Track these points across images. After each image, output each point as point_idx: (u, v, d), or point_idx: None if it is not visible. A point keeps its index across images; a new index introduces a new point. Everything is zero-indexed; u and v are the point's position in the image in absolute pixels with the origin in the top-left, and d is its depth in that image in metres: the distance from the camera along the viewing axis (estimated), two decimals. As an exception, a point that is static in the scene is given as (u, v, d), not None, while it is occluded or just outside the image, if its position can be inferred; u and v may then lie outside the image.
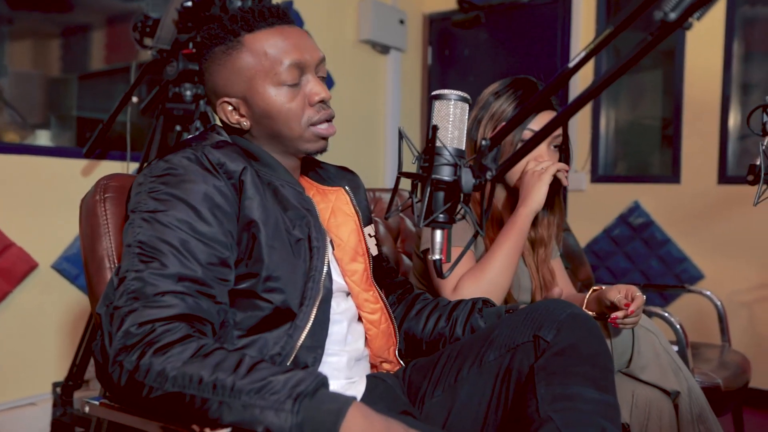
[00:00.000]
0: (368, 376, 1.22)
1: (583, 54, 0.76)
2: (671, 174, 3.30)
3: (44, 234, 2.42)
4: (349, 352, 1.17)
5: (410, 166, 0.90)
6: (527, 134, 1.53)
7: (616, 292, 1.32)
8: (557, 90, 0.81)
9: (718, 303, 2.36)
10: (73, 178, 2.50)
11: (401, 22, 3.84)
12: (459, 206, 0.89)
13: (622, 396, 1.32)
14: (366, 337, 1.24)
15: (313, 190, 1.23)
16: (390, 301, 1.33)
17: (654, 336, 1.40)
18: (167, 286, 0.94)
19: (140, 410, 0.93)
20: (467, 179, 0.85)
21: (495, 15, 3.85)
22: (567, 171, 1.55)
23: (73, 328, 2.53)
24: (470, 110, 1.06)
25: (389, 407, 1.12)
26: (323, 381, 0.86)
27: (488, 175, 0.85)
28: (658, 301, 3.31)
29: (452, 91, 0.91)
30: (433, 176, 0.87)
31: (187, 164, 1.03)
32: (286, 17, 1.14)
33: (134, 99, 2.36)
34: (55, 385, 2.41)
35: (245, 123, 1.14)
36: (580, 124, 3.54)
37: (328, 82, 3.37)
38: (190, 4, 2.03)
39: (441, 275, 0.90)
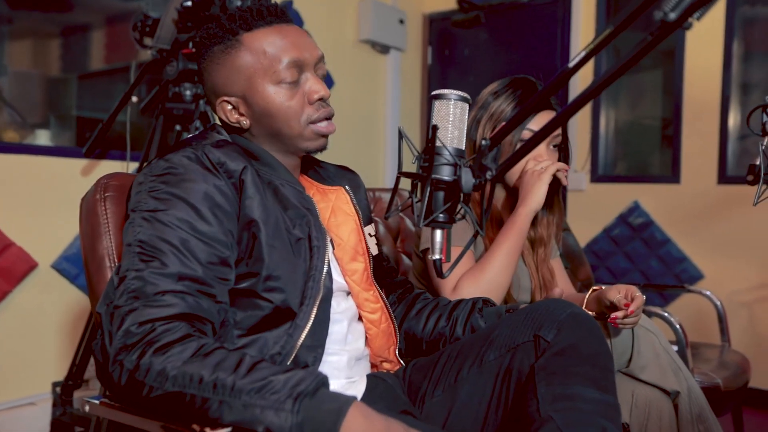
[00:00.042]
0: (368, 376, 1.22)
1: (583, 54, 0.76)
2: (671, 174, 3.30)
3: (44, 234, 2.42)
4: (349, 351, 1.17)
5: (410, 165, 0.91)
6: (526, 134, 1.53)
7: (616, 292, 1.32)
8: (557, 90, 0.81)
9: (718, 303, 2.36)
10: (73, 178, 2.50)
11: (401, 21, 3.84)
12: (459, 206, 0.89)
13: (621, 396, 1.32)
14: (366, 337, 1.24)
15: (313, 189, 1.23)
16: (390, 300, 1.33)
17: (654, 336, 1.40)
18: (167, 286, 0.94)
19: (140, 409, 0.93)
20: (467, 179, 0.85)
21: (495, 15, 3.85)
22: (567, 171, 1.55)
23: (72, 327, 2.53)
24: (469, 110, 1.06)
25: (389, 407, 1.12)
26: (323, 380, 0.86)
27: (488, 174, 0.85)
28: (658, 301, 3.31)
29: (452, 90, 0.91)
30: (433, 176, 0.87)
31: (187, 163, 1.03)
32: (285, 16, 1.14)
33: (134, 99, 2.36)
34: (55, 384, 2.41)
35: (245, 122, 1.14)
36: (579, 124, 3.54)
37: (328, 81, 3.37)
38: (189, 3, 2.03)
39: (441, 275, 0.91)
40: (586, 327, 1.04)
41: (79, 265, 2.50)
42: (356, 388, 1.17)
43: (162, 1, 2.24)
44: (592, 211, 3.50)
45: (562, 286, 1.67)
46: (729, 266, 3.12)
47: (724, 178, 3.14)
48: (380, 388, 1.19)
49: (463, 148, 0.91)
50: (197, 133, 1.20)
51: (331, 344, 1.13)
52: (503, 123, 1.55)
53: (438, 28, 4.08)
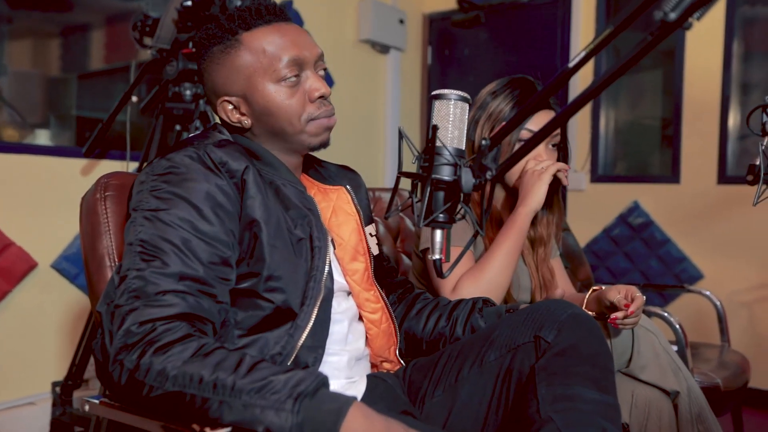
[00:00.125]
0: (368, 376, 1.22)
1: (582, 54, 0.76)
2: (671, 174, 3.30)
3: (44, 233, 2.42)
4: (349, 351, 1.17)
5: (410, 165, 0.91)
6: (525, 134, 1.53)
7: (616, 293, 1.32)
8: (557, 90, 0.81)
9: (718, 303, 2.36)
10: (73, 178, 2.50)
11: (401, 21, 3.84)
12: (459, 206, 0.89)
13: (621, 396, 1.32)
14: (366, 337, 1.24)
15: (314, 189, 1.23)
16: (390, 300, 1.33)
17: (654, 336, 1.40)
18: (168, 285, 0.94)
19: (140, 409, 0.93)
20: (467, 179, 0.86)
21: (495, 15, 3.85)
22: (567, 171, 1.55)
23: (72, 327, 2.53)
24: (468, 110, 1.06)
25: (389, 407, 1.12)
26: (324, 381, 0.86)
27: (488, 174, 0.85)
28: (658, 301, 3.31)
29: (452, 90, 0.91)
30: (433, 176, 0.87)
31: (189, 163, 1.03)
32: (284, 15, 1.14)
33: (134, 98, 2.36)
34: (55, 384, 2.41)
35: (246, 121, 1.14)
36: (579, 124, 3.54)
37: (328, 81, 3.36)
38: (189, 3, 2.03)
39: (441, 275, 0.91)
40: (586, 327, 1.04)
41: (79, 265, 2.50)
42: (356, 388, 1.17)
43: (162, 0, 2.24)
44: (592, 211, 3.50)
45: (562, 285, 1.67)
46: (729, 266, 3.12)
47: (723, 178, 3.14)
48: (380, 388, 1.19)
49: (463, 148, 0.91)
50: (199, 132, 1.20)
51: (331, 344, 1.12)
52: (502, 123, 1.55)
53: (438, 28, 4.08)
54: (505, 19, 3.83)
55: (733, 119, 3.18)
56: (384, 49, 3.84)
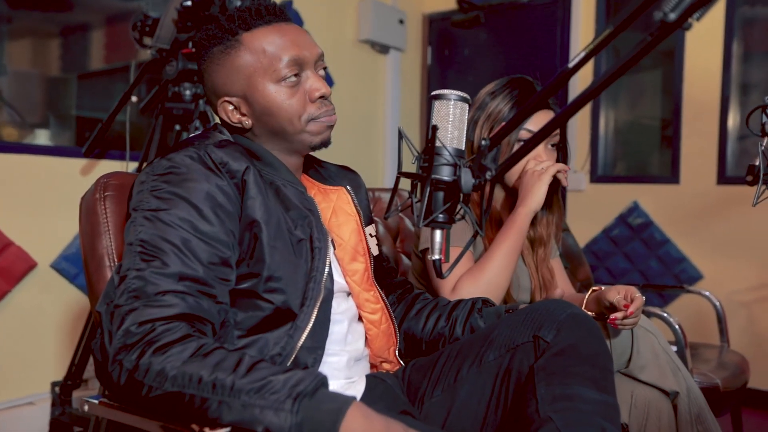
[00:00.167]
0: (368, 376, 1.22)
1: (582, 54, 0.76)
2: (670, 174, 3.30)
3: (43, 233, 2.42)
4: (349, 352, 1.17)
5: (410, 166, 0.91)
6: (524, 134, 1.53)
7: (616, 293, 1.32)
8: (557, 90, 0.81)
9: (717, 303, 2.36)
10: (72, 178, 2.50)
11: (401, 21, 3.84)
12: (458, 206, 0.89)
13: (621, 396, 1.32)
14: (366, 337, 1.24)
15: (314, 189, 1.23)
16: (390, 300, 1.33)
17: (653, 336, 1.40)
18: (168, 286, 0.94)
19: (140, 409, 0.93)
20: (467, 179, 0.86)
21: (494, 15, 3.85)
22: (567, 171, 1.55)
23: (71, 327, 2.53)
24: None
25: (389, 407, 1.12)
26: (323, 381, 0.86)
27: (488, 175, 0.85)
28: (657, 301, 3.31)
29: (452, 91, 0.91)
30: (433, 176, 0.87)
31: (189, 163, 1.03)
32: (284, 15, 1.14)
33: (133, 98, 2.36)
34: (54, 384, 2.41)
35: (247, 122, 1.14)
36: (579, 125, 3.54)
37: (328, 81, 3.37)
38: (189, 3, 2.03)
39: (440, 275, 0.91)
40: (585, 327, 1.04)
41: (78, 265, 2.50)
42: (355, 388, 1.17)
43: (162, 0, 2.24)
44: (592, 211, 3.50)
45: (562, 286, 1.67)
46: (728, 267, 3.12)
47: (723, 178, 3.15)
48: (380, 388, 1.19)
49: (463, 148, 0.91)
50: (199, 132, 1.20)
51: (330, 345, 1.12)
52: (501, 123, 1.55)
53: (438, 28, 4.08)
54: (504, 20, 3.83)
55: (733, 119, 3.18)
56: (384, 49, 3.84)
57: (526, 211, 1.49)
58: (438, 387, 1.17)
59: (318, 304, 1.07)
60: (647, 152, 3.64)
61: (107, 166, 2.55)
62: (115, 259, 1.13)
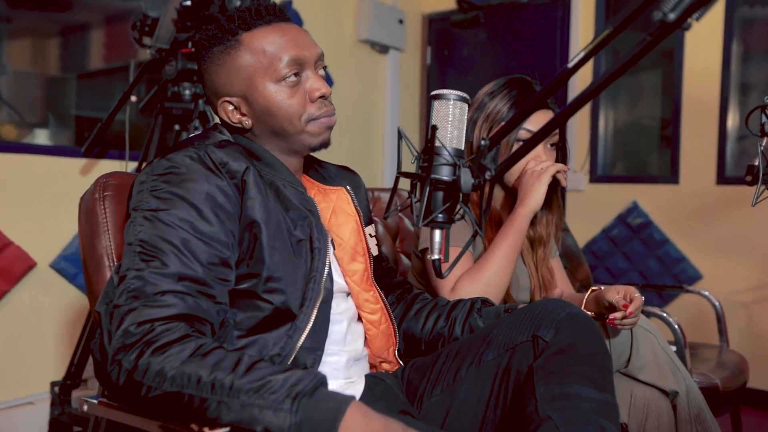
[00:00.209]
0: (367, 376, 1.22)
1: (582, 54, 0.76)
2: (670, 174, 3.31)
3: (43, 233, 2.42)
4: (348, 352, 1.17)
5: (409, 165, 0.91)
6: (523, 134, 1.53)
7: (615, 293, 1.32)
8: (556, 90, 0.81)
9: (717, 303, 2.36)
10: (72, 177, 2.50)
11: (400, 21, 3.84)
12: (458, 206, 0.89)
13: (620, 396, 1.32)
14: (365, 337, 1.24)
15: (314, 189, 1.23)
16: (389, 300, 1.33)
17: (652, 336, 1.40)
18: (167, 286, 0.94)
19: (139, 409, 0.93)
20: (466, 179, 0.86)
21: (494, 15, 3.85)
22: (566, 171, 1.55)
23: (71, 327, 2.53)
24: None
25: (388, 407, 1.12)
26: (322, 380, 0.86)
27: (487, 175, 0.85)
28: (657, 301, 3.32)
29: (451, 90, 0.91)
30: (432, 176, 0.87)
31: (189, 163, 1.03)
32: (284, 15, 1.14)
33: (133, 98, 2.35)
34: (53, 384, 2.40)
35: (247, 122, 1.14)
36: (579, 125, 3.55)
37: (327, 81, 3.36)
38: (189, 3, 2.03)
39: (439, 275, 0.91)
40: (584, 327, 1.05)
41: (77, 265, 2.49)
42: (354, 388, 1.17)
43: (161, 0, 2.24)
44: (591, 211, 3.50)
45: (562, 285, 1.67)
46: (727, 267, 3.12)
47: (722, 178, 3.15)
48: (379, 388, 1.19)
49: (463, 148, 0.91)
50: (199, 132, 1.20)
51: (330, 345, 1.12)
52: (500, 123, 1.55)
53: (437, 28, 4.08)
54: (504, 20, 3.83)
55: (732, 120, 3.18)
56: (383, 49, 3.84)
57: (525, 211, 1.49)
58: (437, 387, 1.17)
59: (317, 304, 1.07)
60: (647, 152, 3.64)
61: (107, 166, 2.55)
62: (115, 259, 1.13)
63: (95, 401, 1.02)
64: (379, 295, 1.24)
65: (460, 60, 4.00)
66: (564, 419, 0.95)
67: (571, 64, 0.77)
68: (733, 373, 1.96)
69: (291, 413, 0.82)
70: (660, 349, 1.40)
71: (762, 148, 1.44)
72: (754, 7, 3.21)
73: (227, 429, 0.84)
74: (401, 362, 1.27)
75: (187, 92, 2.16)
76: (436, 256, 0.91)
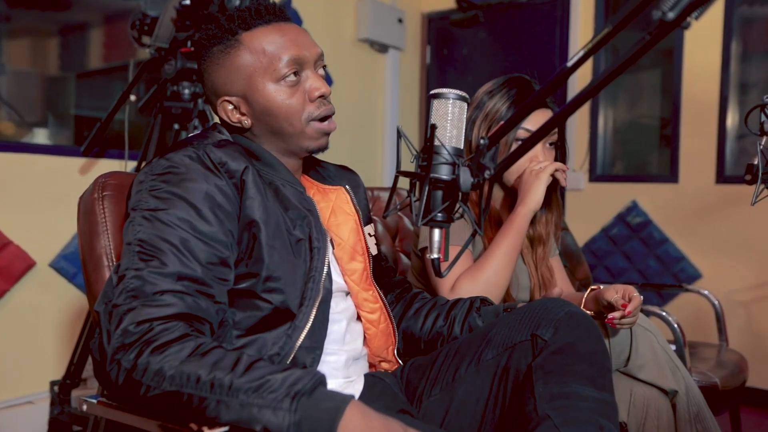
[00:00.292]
0: (366, 375, 1.22)
1: (581, 53, 0.76)
2: (669, 173, 3.31)
3: (42, 232, 2.42)
4: (347, 351, 1.17)
5: (409, 164, 0.91)
6: (522, 133, 1.53)
7: (614, 292, 1.32)
8: (555, 89, 0.81)
9: (716, 302, 2.36)
10: (71, 177, 2.49)
11: (400, 21, 3.84)
12: (457, 205, 0.89)
13: (619, 395, 1.33)
14: (365, 336, 1.24)
15: (313, 189, 1.23)
16: (388, 300, 1.33)
17: (652, 335, 1.40)
18: (166, 285, 0.94)
19: (138, 409, 0.93)
20: (465, 178, 0.85)
21: (493, 14, 3.85)
22: (565, 171, 1.55)
23: (70, 326, 2.53)
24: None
25: (387, 406, 1.12)
26: (321, 379, 0.86)
27: (486, 174, 0.85)
28: (656, 300, 3.32)
29: (451, 90, 0.91)
30: (432, 175, 0.87)
31: (188, 163, 1.03)
32: (283, 14, 1.14)
33: (132, 97, 2.35)
34: (53, 383, 2.41)
35: (246, 121, 1.14)
36: (578, 124, 3.54)
37: (327, 81, 3.36)
38: (188, 2, 2.03)
39: (439, 274, 0.91)
40: (583, 326, 1.05)
41: (77, 264, 2.49)
42: (354, 387, 1.17)
43: (160, -1, 2.24)
44: (591, 210, 3.50)
45: (561, 284, 1.67)
46: (727, 266, 3.12)
47: (722, 177, 3.15)
48: (378, 387, 1.19)
49: (462, 147, 0.91)
50: (198, 132, 1.20)
51: (329, 344, 1.12)
52: (499, 123, 1.55)
53: (437, 27, 4.08)
54: (503, 19, 3.83)
55: (732, 119, 3.18)
56: (383, 48, 3.84)
57: (525, 210, 1.49)
58: (436, 386, 1.17)
59: (317, 304, 1.07)
60: (646, 151, 3.64)
61: (106, 165, 2.55)
62: (114, 259, 1.13)
63: (95, 401, 1.02)
64: (379, 294, 1.24)
65: (460, 59, 4.00)
66: (563, 418, 0.95)
67: (570, 63, 0.77)
68: (732, 372, 1.97)
69: (290, 412, 0.82)
70: (659, 348, 1.40)
71: (761, 147, 1.44)
72: (754, 6, 3.21)
73: (226, 428, 0.84)
74: (400, 361, 1.27)
75: (187, 91, 2.16)
76: (435, 255, 0.91)
